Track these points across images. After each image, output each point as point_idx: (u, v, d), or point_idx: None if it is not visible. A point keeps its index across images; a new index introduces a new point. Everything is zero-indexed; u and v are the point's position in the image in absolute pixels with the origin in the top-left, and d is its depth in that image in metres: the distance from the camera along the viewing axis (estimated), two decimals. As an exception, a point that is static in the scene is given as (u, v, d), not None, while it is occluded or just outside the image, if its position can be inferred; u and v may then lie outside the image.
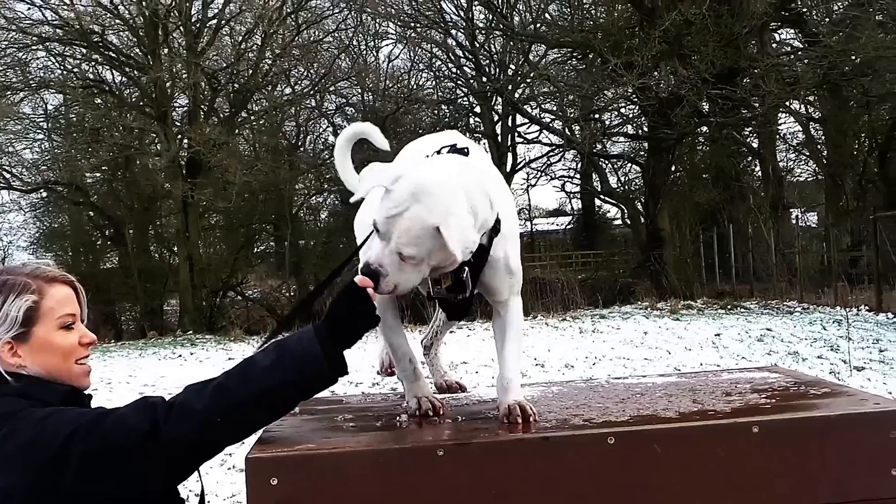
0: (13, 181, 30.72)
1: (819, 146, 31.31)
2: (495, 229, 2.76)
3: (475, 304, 3.01)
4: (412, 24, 32.81)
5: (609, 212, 40.92)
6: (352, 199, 2.84)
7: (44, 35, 28.30)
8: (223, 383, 2.42)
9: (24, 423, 2.33)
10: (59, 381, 2.51)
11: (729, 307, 23.25)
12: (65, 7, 28.56)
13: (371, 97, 34.24)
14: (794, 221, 31.69)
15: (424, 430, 2.81)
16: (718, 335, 17.98)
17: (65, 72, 30.64)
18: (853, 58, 24.78)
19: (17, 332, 2.48)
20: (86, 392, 2.63)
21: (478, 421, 2.87)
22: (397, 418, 2.91)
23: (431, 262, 2.57)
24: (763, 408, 2.77)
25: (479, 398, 3.32)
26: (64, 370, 2.52)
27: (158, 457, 2.33)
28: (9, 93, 28.92)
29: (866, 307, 21.39)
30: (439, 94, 35.97)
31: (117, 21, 29.01)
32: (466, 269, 2.70)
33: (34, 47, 28.83)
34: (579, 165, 37.08)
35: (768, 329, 18.60)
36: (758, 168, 33.29)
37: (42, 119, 32.48)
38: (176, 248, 30.94)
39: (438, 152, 2.88)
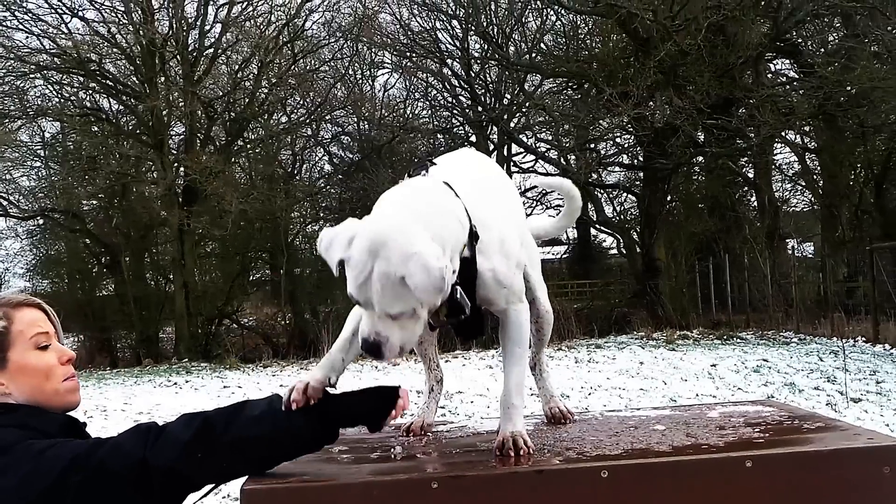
0: (10, 208, 30.75)
1: (815, 176, 31.36)
2: (474, 236, 2.65)
3: (487, 320, 2.93)
4: (408, 54, 32.95)
5: (605, 241, 40.99)
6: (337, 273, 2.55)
7: (42, 63, 28.39)
8: (211, 419, 2.41)
9: (23, 455, 2.32)
10: (48, 403, 2.51)
11: (725, 337, 23.21)
12: (62, 36, 28.69)
13: (367, 126, 34.33)
14: (790, 252, 31.73)
15: (419, 463, 2.82)
16: (714, 366, 17.94)
17: (62, 100, 30.73)
18: (849, 88, 24.88)
19: None
20: (81, 421, 2.63)
21: (472, 453, 2.87)
22: (392, 450, 2.91)
23: (424, 309, 2.46)
24: (757, 442, 2.76)
25: (475, 430, 3.32)
26: (49, 391, 2.52)
27: (151, 483, 2.32)
28: (6, 120, 28.95)
29: (863, 338, 21.41)
30: (435, 123, 36.07)
31: (114, 50, 29.12)
32: (458, 288, 2.58)
33: (32, 75, 28.91)
34: (575, 195, 37.08)
35: (765, 360, 18.57)
36: (754, 198, 33.32)
37: (39, 147, 32.52)
38: (172, 276, 30.90)
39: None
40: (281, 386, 17.15)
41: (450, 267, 2.46)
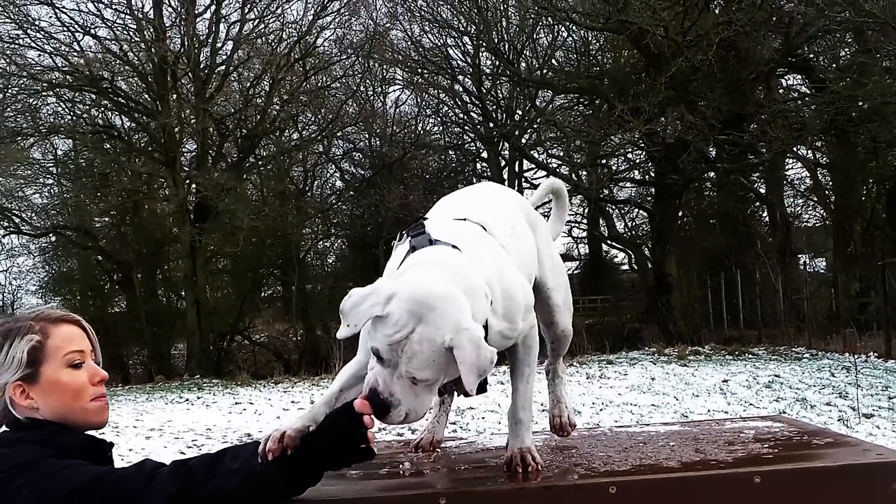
0: (23, 226, 30.83)
1: (827, 192, 31.29)
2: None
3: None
4: (419, 70, 33.01)
5: (616, 257, 40.97)
6: (340, 335, 2.45)
7: (54, 81, 28.50)
8: (193, 470, 2.35)
9: (44, 475, 2.31)
10: (75, 422, 2.50)
11: (737, 353, 23.13)
12: (75, 54, 28.80)
13: (378, 142, 34.39)
14: (802, 267, 31.65)
15: (427, 479, 2.81)
16: (726, 381, 17.88)
17: (74, 117, 30.83)
18: (860, 104, 24.81)
19: (24, 374, 2.49)
20: (108, 441, 2.63)
21: (481, 469, 2.86)
22: (401, 466, 2.91)
23: (445, 380, 2.39)
24: (765, 458, 2.76)
25: (484, 446, 3.32)
26: (77, 409, 2.51)
27: None
28: (19, 138, 29.06)
29: (875, 354, 21.31)
30: (446, 139, 36.12)
31: (126, 67, 29.22)
32: None
33: (44, 93, 29.03)
34: (586, 210, 37.04)
35: (776, 375, 18.51)
36: (765, 213, 33.28)
37: (52, 164, 32.65)
38: (183, 293, 30.94)
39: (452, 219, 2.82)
40: (293, 402, 17.24)
41: (493, 355, 2.37)
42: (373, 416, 2.31)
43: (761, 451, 2.86)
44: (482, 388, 2.77)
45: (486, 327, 2.50)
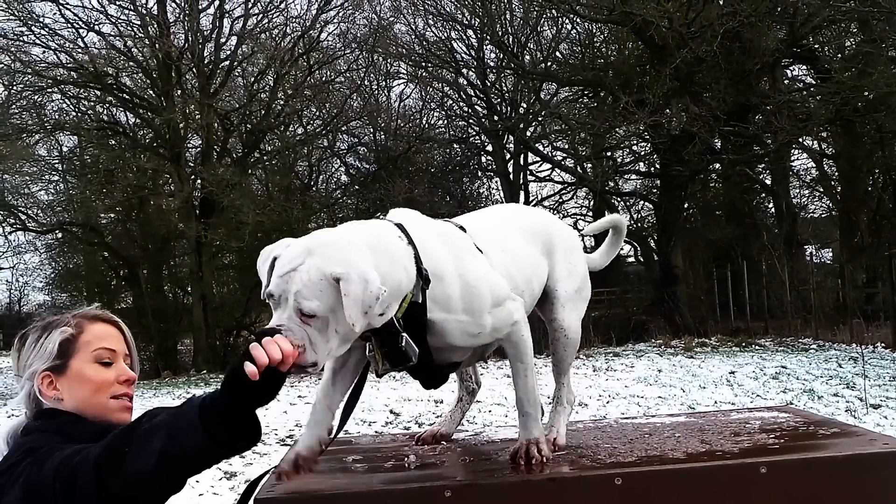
0: (29, 222, 30.88)
1: (833, 182, 31.24)
2: (426, 282, 2.57)
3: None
4: (423, 64, 32.98)
5: (622, 249, 40.84)
6: (264, 295, 2.47)
7: (59, 78, 28.51)
8: (118, 436, 2.30)
9: (43, 458, 2.34)
10: (94, 416, 2.52)
11: (743, 344, 23.11)
12: (79, 50, 28.79)
13: (383, 136, 34.37)
14: (808, 258, 31.58)
15: (432, 471, 2.82)
16: (733, 373, 17.88)
17: (79, 114, 30.84)
18: (866, 94, 24.74)
19: (53, 364, 2.55)
20: None
21: (487, 462, 2.87)
22: (406, 459, 2.91)
23: (338, 329, 2.35)
24: (771, 448, 2.76)
25: (489, 438, 3.32)
26: (97, 404, 2.54)
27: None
28: (25, 135, 29.09)
29: (882, 344, 21.28)
30: (451, 133, 36.04)
31: (131, 63, 29.21)
32: (405, 336, 2.51)
33: (49, 90, 29.04)
34: (592, 203, 36.98)
35: (783, 366, 18.50)
36: (771, 204, 33.18)
37: (57, 161, 32.66)
38: (189, 288, 30.96)
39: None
40: (300, 397, 17.25)
41: (386, 302, 2.40)
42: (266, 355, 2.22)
43: (767, 441, 2.86)
44: (440, 378, 2.83)
45: (420, 307, 2.56)
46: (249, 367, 2.19)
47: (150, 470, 2.20)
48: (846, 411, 13.63)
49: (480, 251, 2.82)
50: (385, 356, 2.55)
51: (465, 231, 2.87)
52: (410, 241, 2.60)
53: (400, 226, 2.64)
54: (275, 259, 2.45)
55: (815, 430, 3.01)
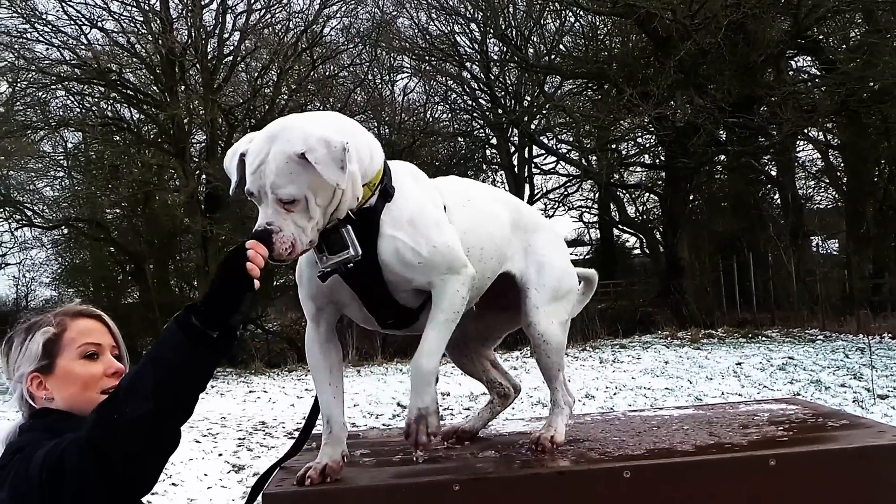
0: (35, 218, 30.87)
1: (839, 173, 31.19)
2: (385, 195, 2.62)
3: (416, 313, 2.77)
4: (427, 58, 32.97)
5: (628, 241, 40.85)
6: (232, 192, 2.58)
7: (63, 74, 28.49)
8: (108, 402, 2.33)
9: (29, 457, 2.34)
10: (84, 412, 2.49)
11: (750, 336, 23.09)
12: (82, 47, 28.77)
13: (387, 130, 34.31)
14: (814, 249, 31.55)
15: (441, 465, 2.81)
16: (740, 364, 17.88)
17: (83, 110, 30.81)
18: (871, 84, 24.72)
19: (40, 365, 2.55)
20: None
21: (495, 455, 2.86)
22: (414, 454, 2.90)
23: (319, 202, 2.43)
24: (780, 440, 2.75)
25: (497, 432, 3.32)
26: (88, 400, 2.52)
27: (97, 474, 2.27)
28: (29, 132, 29.09)
29: (889, 335, 21.25)
30: (455, 126, 36.03)
31: (134, 59, 29.20)
32: (348, 225, 2.54)
33: (53, 87, 29.03)
34: (597, 195, 36.97)
35: (790, 357, 18.49)
36: (777, 196, 33.16)
37: (62, 157, 32.65)
38: (196, 283, 30.97)
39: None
40: (306, 390, 17.27)
41: (354, 171, 2.47)
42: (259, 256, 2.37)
43: (776, 433, 2.85)
44: (406, 315, 2.78)
45: (373, 210, 2.58)
46: (254, 271, 2.36)
47: (150, 409, 2.23)
48: (853, 402, 13.63)
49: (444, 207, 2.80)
50: (326, 245, 2.54)
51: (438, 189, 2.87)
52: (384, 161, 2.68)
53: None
54: (242, 156, 2.50)
55: (823, 422, 3.00)
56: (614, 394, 15.23)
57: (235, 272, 2.36)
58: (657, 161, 33.12)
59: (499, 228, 2.95)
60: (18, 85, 29.49)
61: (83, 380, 2.56)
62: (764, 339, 22.56)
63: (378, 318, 2.79)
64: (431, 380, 2.63)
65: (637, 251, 39.72)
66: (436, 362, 2.63)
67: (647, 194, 35.25)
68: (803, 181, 33.98)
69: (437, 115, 36.26)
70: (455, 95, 35.29)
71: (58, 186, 32.52)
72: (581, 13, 30.21)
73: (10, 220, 31.22)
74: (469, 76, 33.98)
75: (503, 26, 31.10)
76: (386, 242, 2.59)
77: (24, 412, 2.60)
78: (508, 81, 34.49)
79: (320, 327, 2.79)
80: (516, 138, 35.50)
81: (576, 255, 44.38)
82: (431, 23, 32.94)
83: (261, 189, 2.41)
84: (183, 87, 29.37)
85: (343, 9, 31.59)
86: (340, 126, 2.55)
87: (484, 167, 37.40)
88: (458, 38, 33.19)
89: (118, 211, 32.29)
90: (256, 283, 2.39)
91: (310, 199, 2.41)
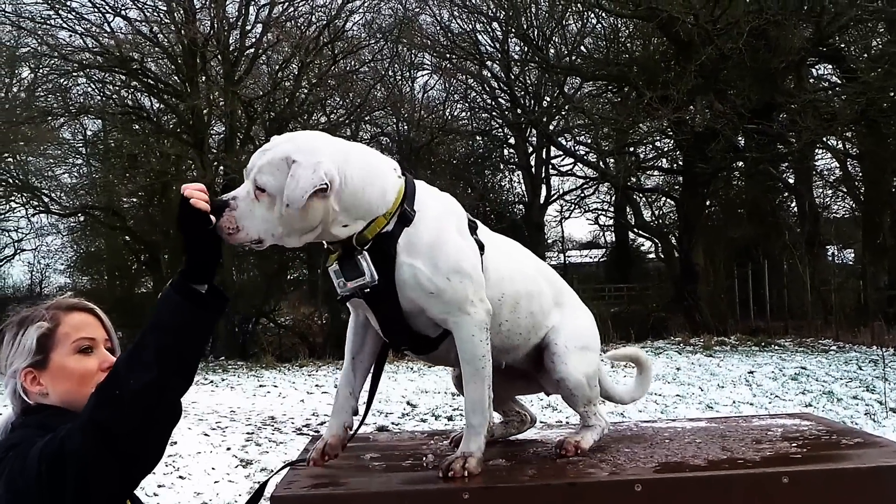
0: (52, 205, 30.99)
1: (856, 182, 31.04)
2: (404, 220, 2.67)
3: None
4: (447, 56, 32.99)
5: (643, 245, 40.78)
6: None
7: (84, 62, 28.57)
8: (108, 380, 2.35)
9: (24, 452, 2.32)
10: (80, 407, 2.46)
11: (763, 344, 23.03)
12: (105, 35, 28.85)
13: (406, 127, 34.32)
14: (830, 258, 31.43)
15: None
16: (752, 373, 17.81)
17: (104, 98, 30.89)
18: (892, 94, 24.62)
19: (34, 360, 2.54)
20: None
21: (505, 464, 2.85)
22: (424, 458, 2.90)
23: (283, 211, 2.51)
24: (794, 457, 2.73)
25: (508, 440, 3.30)
26: (83, 395, 2.48)
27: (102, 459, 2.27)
28: (50, 118, 29.20)
29: (903, 347, 21.17)
30: (474, 125, 36.04)
31: (156, 49, 29.26)
32: (366, 255, 2.62)
33: (75, 73, 29.12)
34: (613, 198, 36.94)
35: (803, 367, 18.42)
36: (794, 204, 33.04)
37: (81, 144, 32.82)
38: (210, 274, 31.01)
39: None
40: (317, 386, 17.30)
41: (337, 190, 2.54)
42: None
43: (790, 450, 2.83)
44: (428, 344, 2.82)
45: (389, 236, 2.64)
46: (198, 203, 2.45)
47: (154, 377, 2.27)
48: (865, 414, 13.56)
49: (481, 245, 2.83)
50: (342, 271, 2.66)
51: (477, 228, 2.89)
52: (409, 182, 2.76)
53: (406, 171, 2.79)
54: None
55: (837, 439, 2.98)
56: (625, 398, 15.17)
57: (187, 216, 2.44)
58: (675, 165, 33.05)
59: (537, 293, 2.99)
60: (40, 71, 29.66)
61: (78, 375, 2.55)
62: (777, 347, 22.49)
63: (392, 343, 2.87)
64: (481, 431, 2.73)
65: (652, 255, 39.61)
66: (481, 416, 2.73)
67: (663, 199, 35.18)
68: (820, 189, 33.84)
69: (456, 114, 36.32)
70: (475, 94, 35.36)
71: (76, 174, 32.71)
72: (603, 15, 30.19)
73: (27, 206, 31.39)
74: (489, 75, 34.03)
75: (525, 26, 31.10)
76: (402, 269, 2.64)
77: (17, 408, 2.58)
78: (528, 81, 34.50)
79: (359, 316, 2.90)
80: (534, 139, 35.49)
81: (590, 257, 44.43)
82: (453, 20, 33.03)
83: (252, 167, 2.59)
84: (204, 78, 29.42)
85: (366, 4, 31.61)
86: (356, 164, 2.64)
87: (501, 167, 37.43)
88: (479, 37, 33.30)
89: (135, 200, 32.37)
90: (212, 218, 2.47)
91: (277, 201, 2.52)
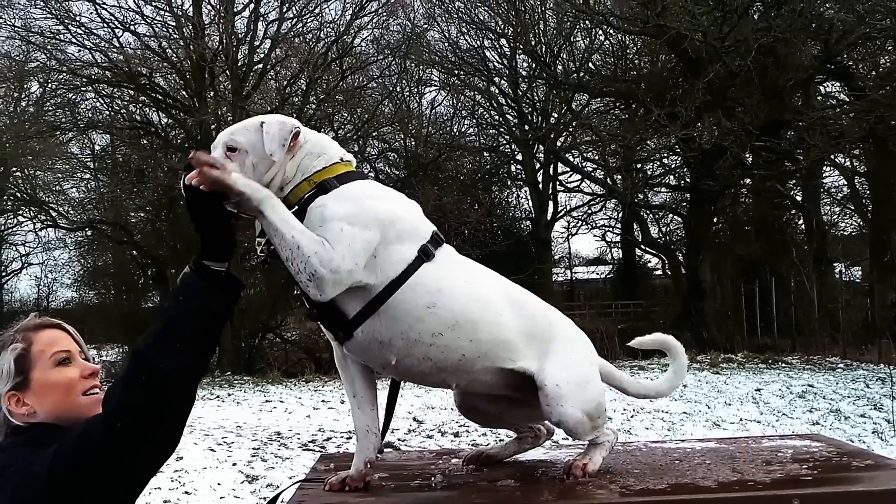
0: (59, 219, 31.06)
1: (864, 200, 31.02)
2: (322, 190, 2.76)
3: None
4: (455, 72, 33.05)
5: (650, 262, 40.73)
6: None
7: (93, 76, 28.70)
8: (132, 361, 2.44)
9: (20, 468, 2.35)
10: (69, 419, 2.52)
11: (770, 362, 22.98)
12: (114, 50, 28.98)
13: (413, 143, 34.36)
14: (837, 276, 31.37)
15: (459, 492, 2.79)
16: (759, 390, 17.76)
17: (112, 113, 31.01)
18: (900, 112, 24.62)
19: (14, 383, 2.55)
20: None
21: (514, 483, 2.83)
22: (432, 478, 2.89)
23: (254, 161, 2.73)
24: (804, 479, 2.72)
25: (516, 459, 3.29)
26: (71, 406, 2.55)
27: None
28: (58, 132, 29.33)
29: (911, 365, 21.09)
30: (481, 141, 36.05)
31: (165, 64, 29.37)
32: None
33: (84, 88, 29.26)
34: (620, 215, 36.89)
35: (810, 385, 18.37)
36: (801, 221, 33.00)
37: (89, 159, 32.88)
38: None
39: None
40: (323, 402, 17.28)
41: (300, 141, 2.80)
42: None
43: (800, 471, 2.81)
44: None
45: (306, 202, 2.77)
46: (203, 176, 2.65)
47: (185, 357, 2.40)
48: (873, 433, 13.53)
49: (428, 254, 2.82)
50: (260, 234, 2.89)
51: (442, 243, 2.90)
52: (356, 172, 2.93)
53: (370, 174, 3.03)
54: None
55: (848, 461, 2.97)
56: (631, 416, 15.15)
57: (195, 201, 2.70)
58: (682, 182, 33.05)
59: (490, 322, 2.83)
60: (49, 85, 29.77)
61: (63, 385, 2.57)
62: (784, 365, 22.44)
63: (311, 315, 2.95)
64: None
65: (658, 272, 39.55)
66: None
67: (670, 215, 35.19)
68: (828, 207, 33.85)
69: (463, 130, 36.33)
70: (482, 110, 35.35)
71: (83, 188, 32.74)
72: (611, 32, 30.23)
73: (34, 220, 31.49)
74: (497, 91, 34.04)
75: (533, 42, 31.16)
76: (311, 213, 2.73)
77: (3, 431, 2.58)
78: (536, 98, 34.52)
79: (339, 349, 2.97)
80: (542, 155, 35.47)
81: (597, 273, 44.36)
82: (462, 37, 33.07)
83: (219, 140, 2.82)
84: (212, 93, 29.49)
85: (374, 21, 31.72)
86: (315, 136, 2.91)
87: (508, 183, 37.40)
88: (487, 53, 33.33)
89: (142, 215, 32.41)
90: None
91: (248, 156, 2.74)
